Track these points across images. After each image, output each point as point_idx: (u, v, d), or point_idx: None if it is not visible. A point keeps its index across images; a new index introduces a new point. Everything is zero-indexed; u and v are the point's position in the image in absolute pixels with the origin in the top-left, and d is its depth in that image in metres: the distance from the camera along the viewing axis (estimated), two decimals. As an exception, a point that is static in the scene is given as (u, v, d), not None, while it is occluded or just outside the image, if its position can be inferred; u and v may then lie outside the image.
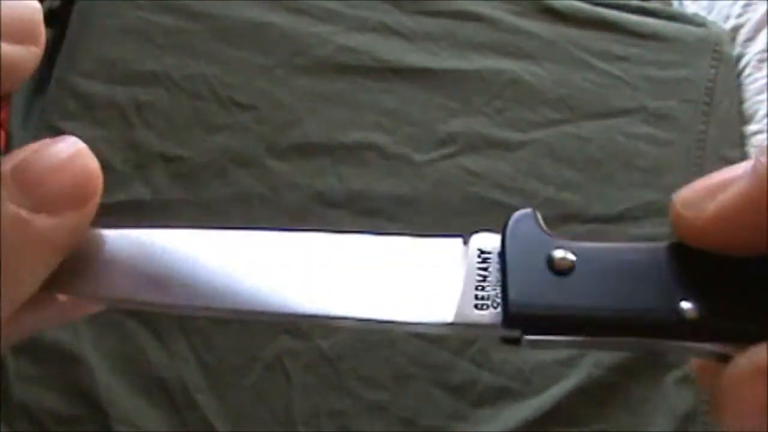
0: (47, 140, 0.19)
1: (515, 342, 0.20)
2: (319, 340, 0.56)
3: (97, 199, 0.20)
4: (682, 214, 0.19)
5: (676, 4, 0.81)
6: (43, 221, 0.18)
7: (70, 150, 0.19)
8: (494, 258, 0.21)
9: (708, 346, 0.19)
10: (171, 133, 0.62)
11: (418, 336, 0.56)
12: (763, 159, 0.18)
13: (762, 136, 0.67)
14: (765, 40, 0.71)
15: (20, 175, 0.18)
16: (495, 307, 0.20)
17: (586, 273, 0.20)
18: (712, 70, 0.70)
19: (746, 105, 0.70)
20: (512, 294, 0.20)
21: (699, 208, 0.19)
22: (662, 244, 0.20)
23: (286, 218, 0.59)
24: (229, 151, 0.62)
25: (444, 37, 0.68)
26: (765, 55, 0.71)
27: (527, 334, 0.20)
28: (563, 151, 0.64)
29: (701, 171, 0.63)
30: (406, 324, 0.20)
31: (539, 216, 0.21)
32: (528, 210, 0.21)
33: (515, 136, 0.65)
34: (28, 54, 0.19)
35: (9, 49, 0.18)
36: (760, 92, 0.69)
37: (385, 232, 0.22)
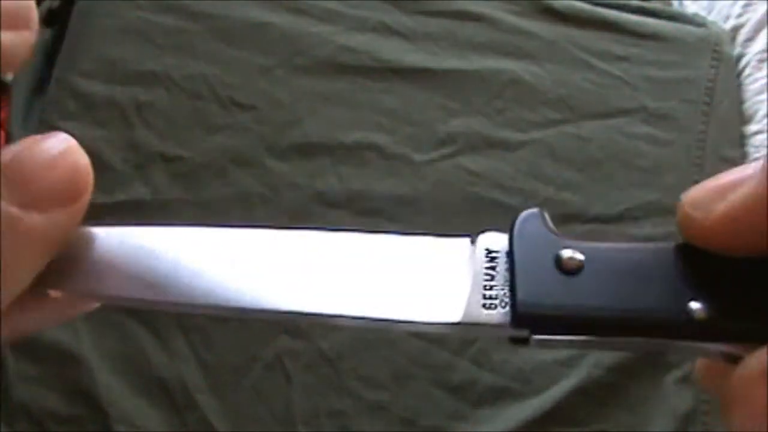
0: (37, 136, 0.19)
1: (523, 342, 0.20)
2: (319, 340, 0.56)
3: (88, 196, 0.19)
4: (690, 214, 0.19)
5: (676, 4, 0.81)
6: (33, 218, 0.18)
7: (60, 146, 0.19)
8: (502, 258, 0.21)
9: (717, 347, 0.19)
10: (171, 133, 0.62)
11: (418, 336, 0.56)
12: None
13: (762, 136, 0.67)
14: (765, 40, 0.71)
15: (10, 172, 0.18)
16: (503, 307, 0.20)
17: (595, 273, 0.20)
18: (712, 70, 0.70)
19: (746, 105, 0.70)
20: (520, 294, 0.20)
21: (707, 209, 0.19)
22: (671, 244, 0.20)
23: (286, 218, 0.59)
24: (229, 151, 0.62)
25: (444, 37, 0.68)
26: (765, 55, 0.71)
27: (535, 334, 0.20)
28: (563, 151, 0.64)
29: (701, 171, 0.64)
30: (414, 323, 0.20)
31: (546, 216, 0.21)
32: (535, 210, 0.21)
33: (515, 136, 0.65)
34: (21, 40, 0.19)
35: (3, 36, 0.18)
36: (760, 92, 0.69)
37: (393, 231, 0.22)
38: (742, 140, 0.69)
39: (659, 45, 0.70)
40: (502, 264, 0.21)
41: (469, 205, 0.61)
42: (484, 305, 0.20)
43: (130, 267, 0.20)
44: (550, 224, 0.21)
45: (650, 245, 0.21)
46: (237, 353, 0.55)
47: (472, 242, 0.21)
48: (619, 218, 0.62)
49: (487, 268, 0.21)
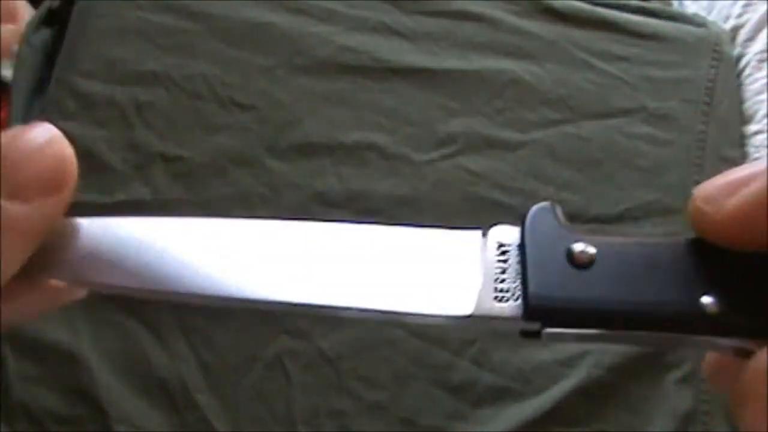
0: (21, 127, 0.19)
1: (535, 335, 0.20)
2: (319, 340, 0.56)
3: (72, 186, 0.19)
4: (701, 209, 0.20)
5: (676, 4, 0.81)
6: (17, 208, 0.18)
7: (44, 136, 0.19)
8: (513, 251, 0.21)
9: (728, 342, 0.19)
10: (171, 133, 0.62)
11: (418, 336, 0.56)
12: None
13: (762, 136, 0.67)
14: (765, 40, 0.71)
15: None
16: (515, 300, 0.20)
17: (607, 266, 0.20)
18: (712, 70, 0.70)
19: (746, 105, 0.70)
20: (532, 287, 0.20)
21: (719, 204, 0.19)
22: (683, 239, 0.20)
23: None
24: (229, 151, 0.62)
25: (444, 37, 0.68)
26: (765, 55, 0.71)
27: (547, 327, 0.20)
28: (563, 151, 0.64)
29: (701, 171, 0.64)
30: (425, 316, 0.20)
31: (558, 209, 0.21)
32: (547, 203, 0.21)
33: (515, 136, 0.65)
34: (6, 32, 0.19)
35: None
36: (760, 92, 0.69)
37: (404, 223, 0.22)
38: (742, 140, 0.69)
39: (659, 45, 0.70)
40: (513, 257, 0.21)
41: (469, 205, 0.61)
42: (495, 298, 0.20)
43: (113, 255, 0.20)
44: (562, 218, 0.21)
45: (662, 239, 0.21)
46: (237, 353, 0.55)
47: (484, 235, 0.22)
48: (619, 218, 0.62)
49: (498, 261, 0.21)
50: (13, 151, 0.19)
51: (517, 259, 0.21)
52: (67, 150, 0.19)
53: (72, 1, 0.66)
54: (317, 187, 0.61)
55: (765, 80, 0.69)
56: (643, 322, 0.19)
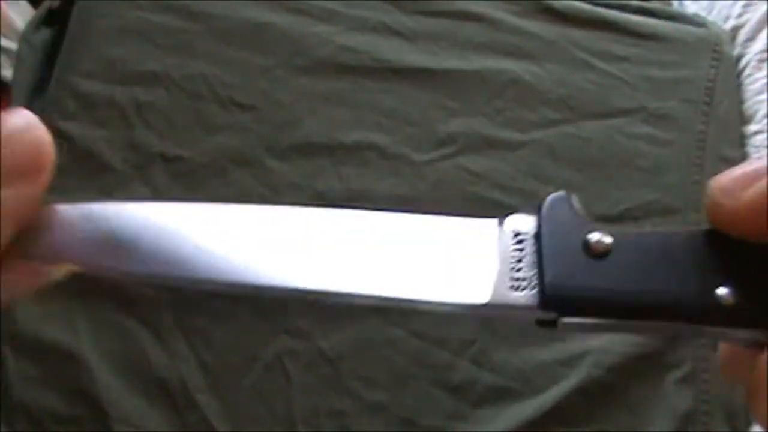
0: None
1: (551, 324, 0.20)
2: (319, 340, 0.56)
3: (50, 170, 0.20)
4: (718, 200, 0.20)
5: (676, 4, 0.81)
6: None
7: (21, 122, 0.19)
8: (529, 240, 0.21)
9: (743, 333, 0.19)
10: (171, 133, 0.62)
11: (418, 336, 0.56)
12: None
13: (762, 136, 0.67)
14: (765, 40, 0.71)
15: None
16: (531, 289, 0.20)
17: (623, 257, 0.20)
18: (712, 70, 0.70)
19: (746, 105, 0.70)
20: (548, 276, 0.20)
21: (735, 196, 0.19)
22: (699, 230, 0.20)
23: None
24: (229, 151, 0.62)
25: (444, 37, 0.68)
26: (765, 55, 0.71)
27: (563, 317, 0.20)
28: (563, 151, 0.64)
29: (701, 171, 0.63)
30: (441, 304, 0.20)
31: (575, 199, 0.21)
32: (563, 193, 0.21)
33: (515, 136, 0.65)
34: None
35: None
36: (760, 92, 0.69)
37: (421, 211, 0.22)
38: (742, 140, 0.69)
39: (659, 45, 0.70)
40: (529, 246, 0.21)
41: (469, 205, 0.61)
42: (512, 287, 0.20)
43: (95, 237, 0.21)
44: (578, 207, 0.21)
45: (679, 230, 0.21)
46: (237, 353, 0.55)
47: (500, 224, 0.21)
48: (619, 218, 0.62)
49: (514, 249, 0.21)
50: None
51: (534, 248, 0.21)
52: (45, 135, 0.20)
53: (72, 1, 0.66)
54: (317, 187, 0.61)
55: (765, 80, 0.69)
56: (659, 312, 0.19)
